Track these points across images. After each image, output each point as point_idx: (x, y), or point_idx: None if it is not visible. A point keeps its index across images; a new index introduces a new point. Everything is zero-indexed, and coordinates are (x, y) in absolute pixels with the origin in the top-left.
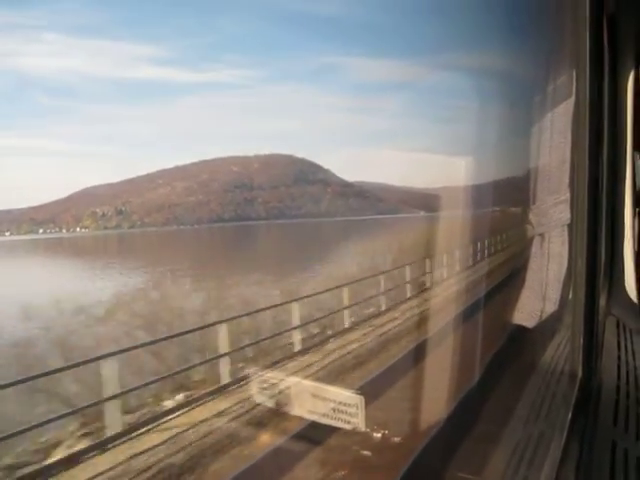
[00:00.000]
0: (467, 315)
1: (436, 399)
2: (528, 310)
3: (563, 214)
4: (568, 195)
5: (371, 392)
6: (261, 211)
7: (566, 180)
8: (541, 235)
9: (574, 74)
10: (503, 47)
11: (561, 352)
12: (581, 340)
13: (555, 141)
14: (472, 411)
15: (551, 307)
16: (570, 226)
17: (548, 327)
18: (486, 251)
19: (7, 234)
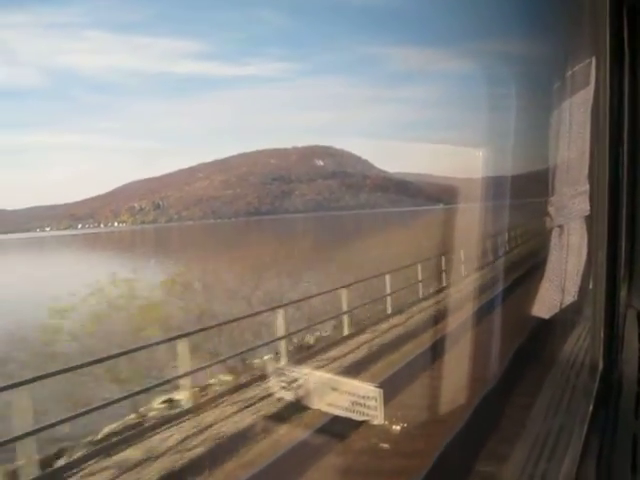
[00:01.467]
0: (491, 307)
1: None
2: (547, 302)
3: (582, 205)
4: (587, 186)
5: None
6: (298, 204)
7: (585, 171)
8: (560, 227)
9: (593, 62)
10: (524, 33)
11: (581, 345)
12: (602, 332)
13: (574, 131)
14: (495, 404)
15: (570, 299)
16: (589, 218)
17: (567, 319)
18: (518, 239)
19: (47, 229)
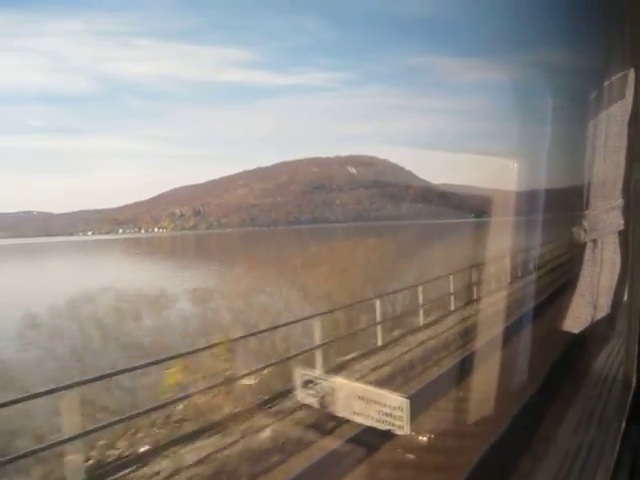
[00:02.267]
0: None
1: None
2: (579, 317)
3: (616, 220)
4: (621, 201)
5: None
6: (339, 213)
7: (620, 185)
8: (594, 241)
9: (631, 74)
10: (562, 44)
11: (613, 360)
12: (636, 347)
13: (610, 145)
14: (529, 417)
15: (603, 314)
16: (624, 232)
17: (599, 335)
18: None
19: (89, 234)
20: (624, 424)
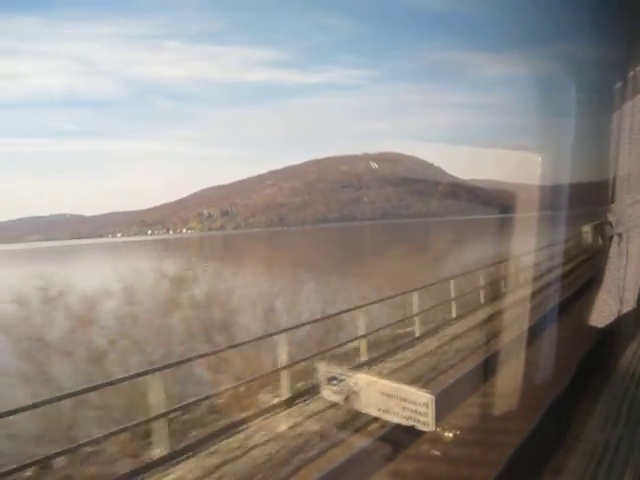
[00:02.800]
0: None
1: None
2: (604, 312)
3: None
4: None
5: None
6: (367, 211)
7: None
8: (619, 235)
9: None
10: (586, 37)
11: None
12: None
13: (635, 137)
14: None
15: (629, 309)
16: None
17: (626, 330)
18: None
19: (119, 235)
20: None
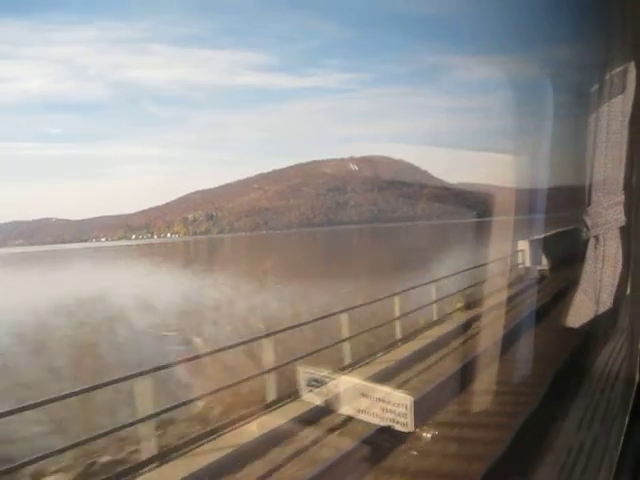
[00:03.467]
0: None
1: None
2: (582, 314)
3: (619, 216)
4: (623, 197)
5: None
6: (353, 215)
7: (621, 180)
8: (596, 237)
9: (632, 67)
10: (566, 38)
11: (615, 357)
12: (639, 344)
13: (611, 139)
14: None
15: (605, 311)
16: (625, 229)
17: (602, 332)
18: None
19: (102, 240)
20: (627, 420)
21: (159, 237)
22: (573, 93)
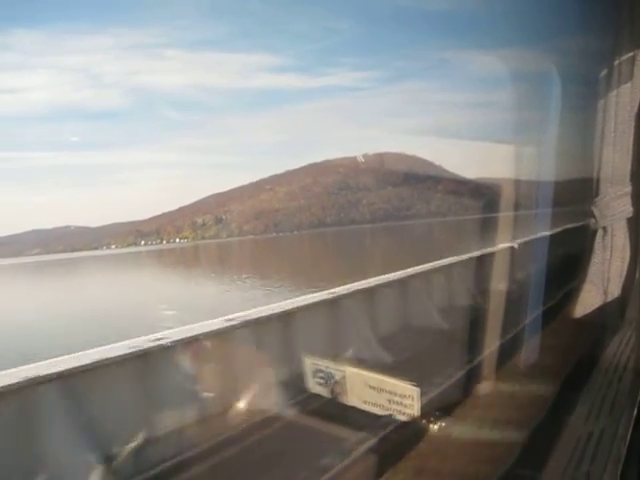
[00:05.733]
0: None
1: None
2: (589, 305)
3: (626, 207)
4: (630, 188)
5: None
6: (366, 213)
7: (628, 172)
8: (604, 228)
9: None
10: (575, 28)
11: (623, 348)
12: None
13: (619, 129)
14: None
15: (613, 302)
16: (633, 219)
17: (610, 323)
18: None
19: (113, 247)
20: (635, 411)
21: (168, 243)
22: (582, 82)
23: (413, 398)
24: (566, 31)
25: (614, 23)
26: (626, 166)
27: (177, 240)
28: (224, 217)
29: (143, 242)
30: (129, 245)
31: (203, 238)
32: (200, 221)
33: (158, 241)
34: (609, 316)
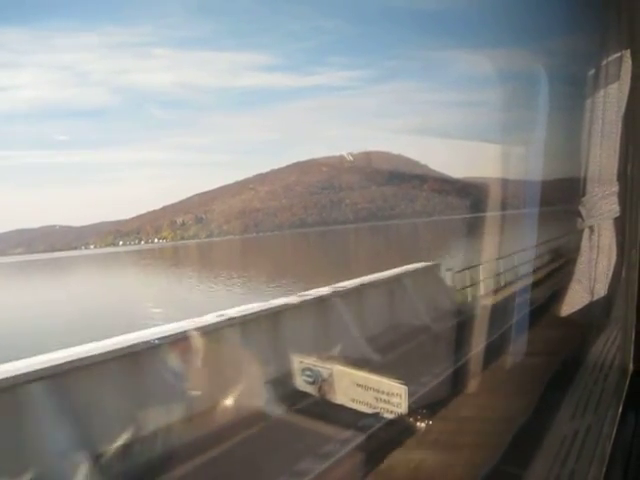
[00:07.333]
0: None
1: None
2: (575, 304)
3: (613, 206)
4: (617, 187)
5: None
6: (348, 213)
7: (615, 171)
8: (590, 228)
9: (628, 55)
10: (563, 28)
11: (609, 347)
12: (633, 334)
13: (606, 130)
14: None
15: (599, 301)
16: (619, 219)
17: (596, 322)
18: None
19: (91, 247)
20: (621, 410)
21: (146, 243)
22: (570, 83)
23: (401, 396)
24: (554, 31)
25: (601, 23)
26: (613, 166)
27: (155, 240)
28: (204, 217)
29: (121, 242)
30: (107, 245)
31: (182, 238)
32: (180, 221)
33: (136, 241)
34: (595, 315)
